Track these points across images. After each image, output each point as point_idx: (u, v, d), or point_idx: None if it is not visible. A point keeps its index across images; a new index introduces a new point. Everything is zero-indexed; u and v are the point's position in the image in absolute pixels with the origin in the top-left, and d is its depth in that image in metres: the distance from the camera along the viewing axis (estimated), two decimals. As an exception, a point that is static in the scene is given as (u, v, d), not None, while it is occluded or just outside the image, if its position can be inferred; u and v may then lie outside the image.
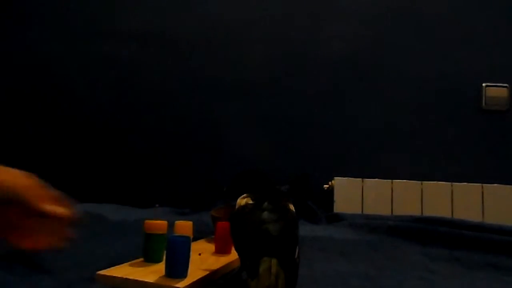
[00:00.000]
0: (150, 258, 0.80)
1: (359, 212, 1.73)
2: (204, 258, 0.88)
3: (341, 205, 1.77)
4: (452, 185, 1.78)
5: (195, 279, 0.70)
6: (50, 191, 0.70)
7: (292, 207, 0.70)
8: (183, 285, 0.66)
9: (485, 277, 0.89)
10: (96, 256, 0.86)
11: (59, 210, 0.68)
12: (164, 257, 0.72)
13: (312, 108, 1.95)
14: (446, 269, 0.95)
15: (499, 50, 1.93)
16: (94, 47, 2.02)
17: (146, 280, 0.67)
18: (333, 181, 1.81)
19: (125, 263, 0.79)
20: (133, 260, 0.82)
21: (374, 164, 1.90)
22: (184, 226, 0.95)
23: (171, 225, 0.88)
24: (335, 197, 1.79)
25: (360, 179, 1.81)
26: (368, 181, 1.80)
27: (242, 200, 0.72)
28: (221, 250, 0.95)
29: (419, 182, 1.79)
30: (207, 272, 0.75)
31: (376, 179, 1.80)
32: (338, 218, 1.49)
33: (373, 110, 1.94)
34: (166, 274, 0.70)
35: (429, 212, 1.69)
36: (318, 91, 1.96)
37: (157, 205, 1.77)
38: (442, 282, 0.84)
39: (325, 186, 1.84)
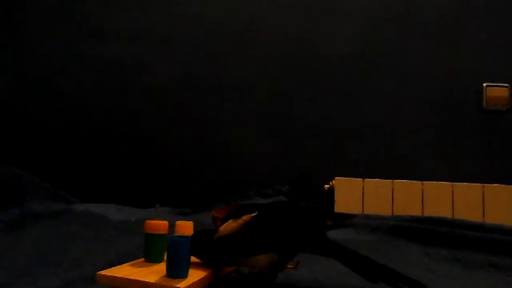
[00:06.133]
0: (151, 258, 0.80)
1: (360, 212, 1.73)
2: (204, 258, 0.87)
3: (341, 205, 1.76)
4: (452, 185, 1.78)
5: (195, 279, 0.70)
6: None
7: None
8: (184, 285, 0.66)
9: (486, 277, 0.89)
10: (97, 256, 0.86)
11: None
12: (165, 257, 0.72)
13: (312, 108, 1.95)
14: (447, 269, 0.95)
15: (499, 50, 1.93)
16: (94, 48, 2.02)
17: (146, 280, 0.67)
18: (333, 181, 1.81)
19: (126, 263, 0.79)
20: (134, 260, 0.82)
21: (374, 164, 1.89)
22: (185, 226, 0.95)
23: (172, 225, 0.89)
24: (336, 197, 1.78)
25: (361, 179, 1.80)
26: (369, 181, 1.80)
27: (233, 223, 0.77)
28: (221, 250, 0.94)
29: (420, 182, 1.79)
30: (208, 272, 0.75)
31: (377, 179, 1.80)
32: (339, 218, 1.49)
33: (373, 110, 1.93)
34: (167, 274, 0.69)
35: (429, 212, 1.68)
36: (318, 91, 1.96)
37: (158, 205, 1.77)
38: (443, 282, 0.84)
39: (325, 186, 1.83)
